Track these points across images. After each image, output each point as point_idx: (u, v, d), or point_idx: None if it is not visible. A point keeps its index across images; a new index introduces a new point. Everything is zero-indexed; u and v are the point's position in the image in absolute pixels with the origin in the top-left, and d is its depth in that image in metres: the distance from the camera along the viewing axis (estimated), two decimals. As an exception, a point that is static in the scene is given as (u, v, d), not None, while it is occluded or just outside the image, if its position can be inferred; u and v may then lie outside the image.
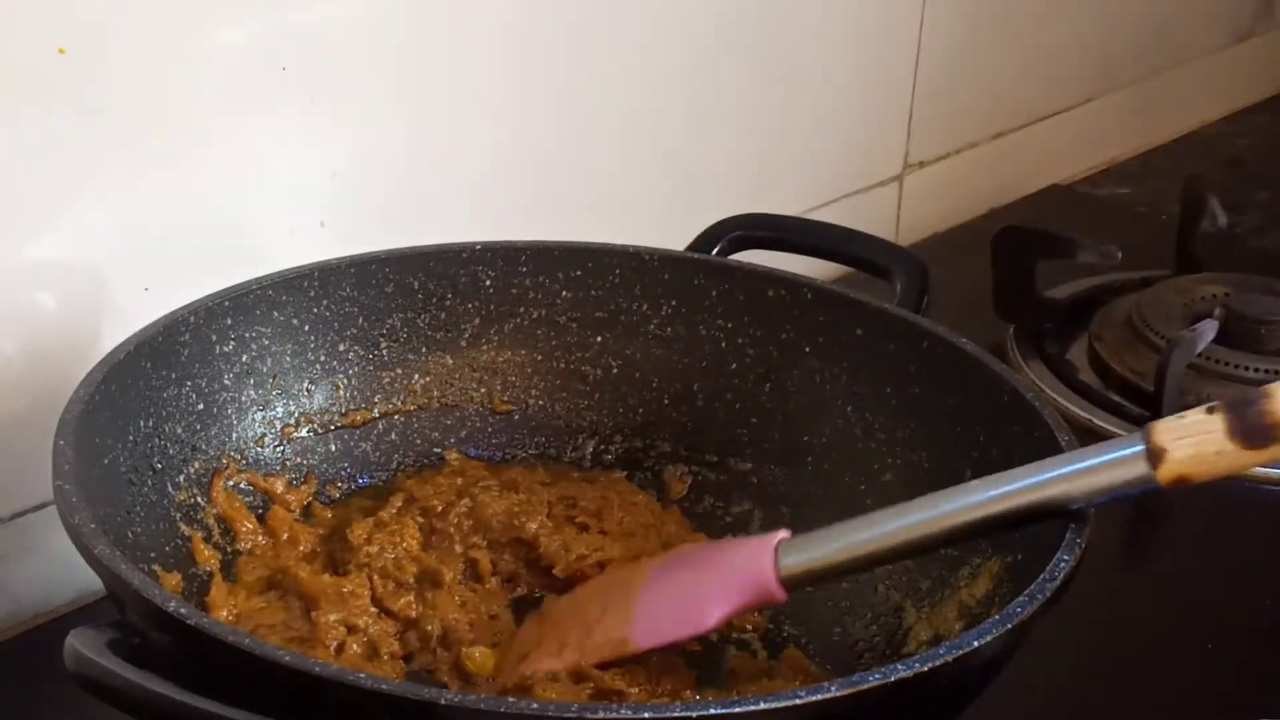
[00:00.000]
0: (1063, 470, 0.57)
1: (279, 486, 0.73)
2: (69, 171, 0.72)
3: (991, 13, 1.25)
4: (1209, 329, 0.95)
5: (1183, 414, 0.56)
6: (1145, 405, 0.93)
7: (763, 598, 0.61)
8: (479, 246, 0.78)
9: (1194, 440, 0.55)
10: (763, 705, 0.47)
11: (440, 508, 0.72)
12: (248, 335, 0.72)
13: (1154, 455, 0.55)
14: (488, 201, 0.91)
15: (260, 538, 0.70)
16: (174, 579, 0.64)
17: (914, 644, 0.66)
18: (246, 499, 0.71)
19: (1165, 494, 0.56)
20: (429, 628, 0.66)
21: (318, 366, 0.75)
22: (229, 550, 0.69)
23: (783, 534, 0.62)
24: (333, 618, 0.64)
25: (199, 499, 0.69)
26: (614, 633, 0.62)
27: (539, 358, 0.80)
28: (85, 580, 0.58)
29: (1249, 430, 0.54)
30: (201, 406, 0.70)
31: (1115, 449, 0.56)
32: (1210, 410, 0.55)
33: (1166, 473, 0.55)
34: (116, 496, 0.63)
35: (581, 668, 0.60)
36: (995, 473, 0.59)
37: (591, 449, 0.80)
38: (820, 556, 0.61)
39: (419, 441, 0.78)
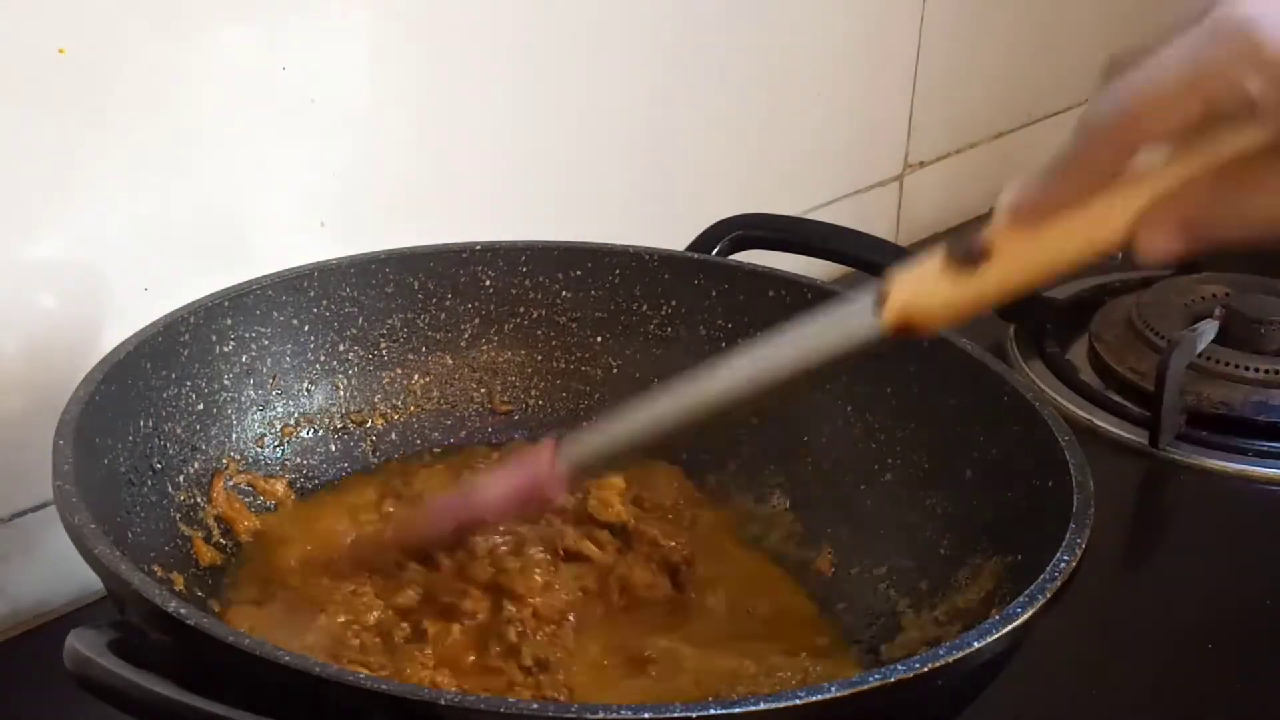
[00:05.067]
0: (799, 332, 0.58)
1: (279, 489, 0.73)
2: (69, 171, 0.72)
3: (991, 13, 1.25)
4: (1209, 329, 0.95)
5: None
6: (1145, 405, 0.93)
7: (537, 483, 0.63)
8: (479, 246, 0.78)
9: (914, 276, 0.54)
10: (763, 705, 0.47)
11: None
12: (248, 335, 0.72)
13: (880, 299, 0.55)
14: (488, 201, 0.91)
15: (257, 539, 0.70)
16: (174, 579, 0.64)
17: (913, 645, 0.66)
18: (246, 499, 0.71)
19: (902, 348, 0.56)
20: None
21: (318, 366, 0.76)
22: (229, 551, 0.69)
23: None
24: (341, 620, 0.64)
25: (199, 499, 0.69)
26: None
27: (539, 358, 0.80)
28: (85, 580, 0.58)
29: (961, 256, 0.53)
30: (201, 406, 0.70)
31: (849, 302, 0.56)
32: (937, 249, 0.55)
33: (889, 314, 0.54)
34: (116, 496, 0.63)
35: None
36: (992, 467, 0.59)
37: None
38: (593, 441, 0.63)
39: (419, 441, 0.78)
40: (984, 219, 0.53)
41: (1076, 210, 0.51)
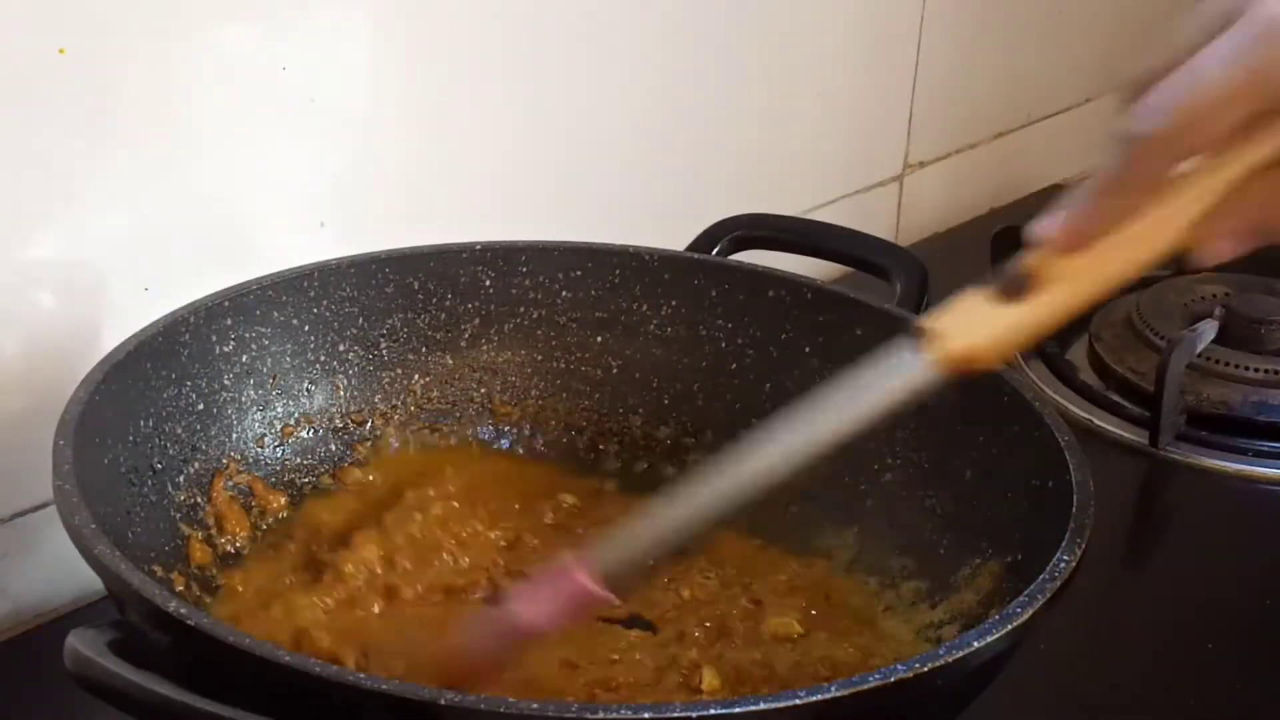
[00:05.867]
0: (843, 395, 0.55)
1: (276, 502, 0.72)
2: (69, 171, 0.72)
3: (991, 13, 1.25)
4: (1209, 329, 0.95)
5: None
6: (1145, 405, 0.93)
7: (582, 595, 0.58)
8: (479, 246, 0.78)
9: (959, 314, 0.53)
10: (763, 705, 0.47)
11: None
12: (248, 335, 0.72)
13: (925, 342, 0.53)
14: (488, 201, 0.91)
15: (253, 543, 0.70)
16: (174, 579, 0.64)
17: (912, 645, 0.66)
18: (247, 500, 0.71)
19: (961, 387, 0.54)
20: None
21: (318, 366, 0.75)
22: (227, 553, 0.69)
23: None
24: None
25: (199, 499, 0.69)
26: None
27: (539, 358, 0.80)
28: (85, 580, 0.58)
29: (1007, 288, 0.51)
30: (201, 406, 0.70)
31: (889, 354, 0.54)
32: (977, 286, 0.53)
33: (943, 355, 0.53)
34: (116, 496, 0.62)
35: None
36: (992, 467, 0.58)
37: (591, 449, 0.80)
38: (628, 547, 0.58)
39: (419, 442, 0.78)
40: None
41: (1123, 228, 0.50)
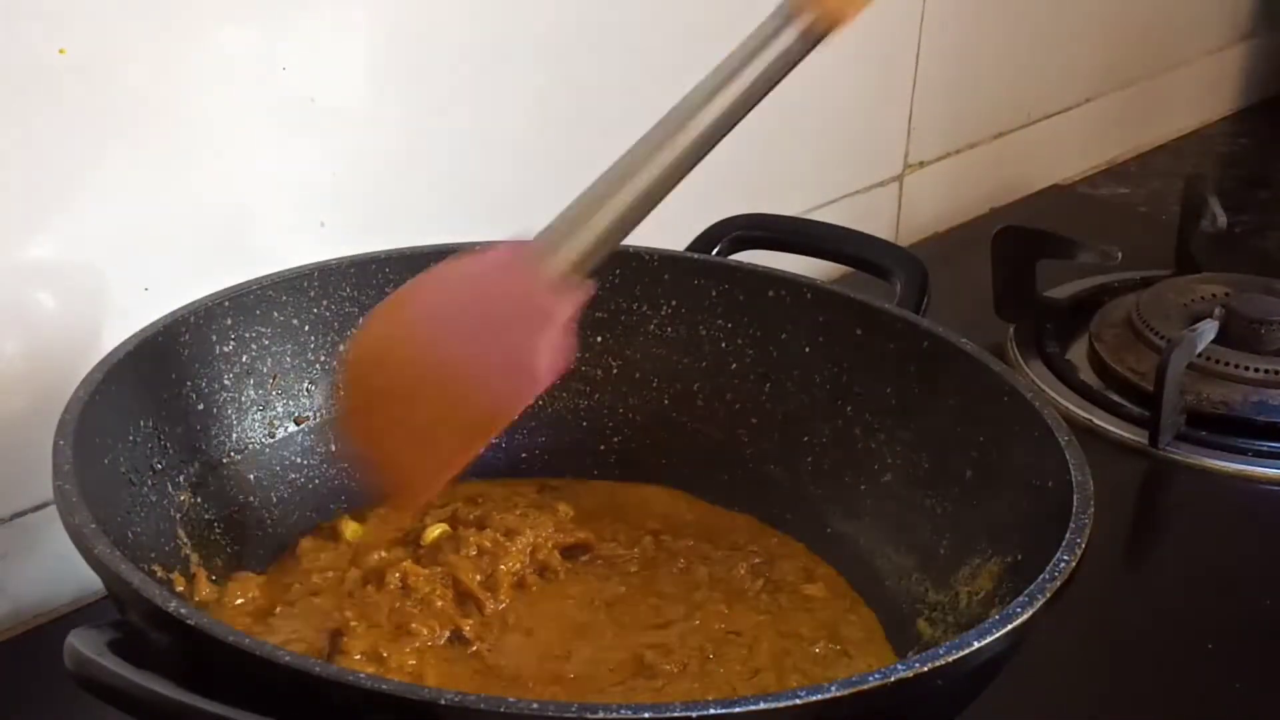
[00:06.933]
0: (730, 75, 0.57)
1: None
2: (69, 171, 0.72)
3: (991, 13, 1.25)
4: (1209, 329, 0.95)
5: None
6: (1145, 405, 0.93)
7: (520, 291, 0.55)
8: (479, 247, 0.78)
9: None
10: (763, 705, 0.48)
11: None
12: (248, 335, 0.72)
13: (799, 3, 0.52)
14: (488, 201, 0.91)
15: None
16: (174, 579, 0.64)
17: (913, 645, 0.66)
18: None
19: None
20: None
21: (318, 366, 0.75)
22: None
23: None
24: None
25: (199, 499, 0.69)
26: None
27: (539, 358, 0.80)
28: (85, 580, 0.58)
29: None
30: (201, 406, 0.70)
31: (762, 30, 0.55)
32: None
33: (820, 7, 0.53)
34: (116, 496, 0.62)
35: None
36: (992, 467, 0.57)
37: (591, 449, 0.80)
38: (582, 242, 0.57)
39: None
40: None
41: None
